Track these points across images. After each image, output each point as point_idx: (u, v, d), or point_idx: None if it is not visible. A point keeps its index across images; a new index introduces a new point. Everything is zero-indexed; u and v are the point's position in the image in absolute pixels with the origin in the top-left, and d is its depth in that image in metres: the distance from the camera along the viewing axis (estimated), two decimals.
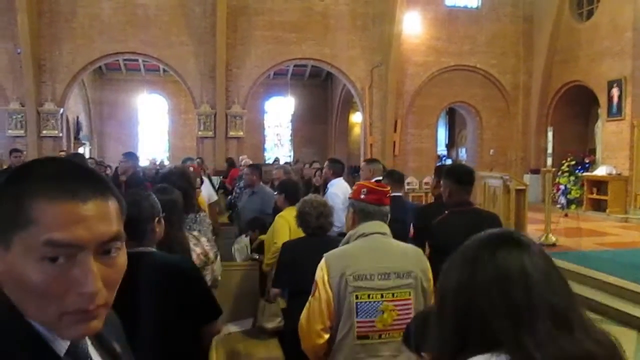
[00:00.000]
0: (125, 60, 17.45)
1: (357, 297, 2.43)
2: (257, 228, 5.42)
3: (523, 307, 1.02)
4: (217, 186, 10.32)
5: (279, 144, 21.54)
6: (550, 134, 9.26)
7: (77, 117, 17.46)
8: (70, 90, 14.50)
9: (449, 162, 19.89)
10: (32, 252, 0.77)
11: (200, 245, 3.01)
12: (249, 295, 4.71)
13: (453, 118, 20.26)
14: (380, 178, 4.89)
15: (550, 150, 9.21)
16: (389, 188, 2.81)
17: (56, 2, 13.73)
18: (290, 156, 20.05)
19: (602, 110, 13.64)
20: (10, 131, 13.80)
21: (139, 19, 14.19)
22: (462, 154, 19.40)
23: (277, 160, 14.87)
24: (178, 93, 18.53)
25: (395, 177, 5.06)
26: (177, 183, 3.46)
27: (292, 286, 3.37)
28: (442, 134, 20.02)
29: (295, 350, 2.80)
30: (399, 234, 2.92)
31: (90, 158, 10.86)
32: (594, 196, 12.98)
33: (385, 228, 2.60)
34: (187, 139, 18.66)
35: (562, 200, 11.66)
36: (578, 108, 15.34)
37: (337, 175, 5.91)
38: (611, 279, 6.44)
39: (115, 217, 0.84)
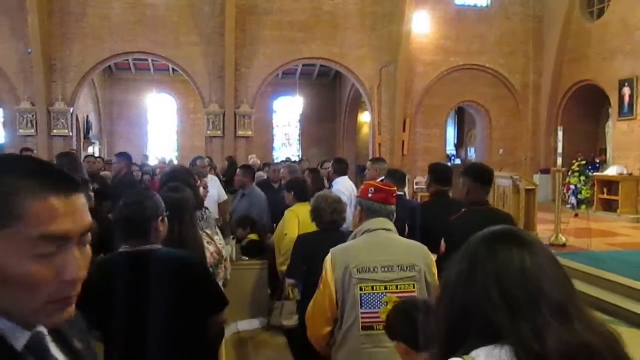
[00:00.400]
0: (134, 60, 17.53)
1: (361, 289, 2.51)
2: (247, 226, 5.43)
3: (521, 300, 1.05)
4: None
5: (287, 143, 21.55)
6: (560, 134, 9.19)
7: (87, 117, 17.57)
8: (81, 90, 14.59)
9: (457, 162, 19.84)
10: (19, 247, 0.81)
11: (213, 244, 3.03)
12: (258, 295, 4.72)
13: (462, 118, 20.17)
14: (384, 178, 4.93)
15: (560, 150, 9.15)
16: (395, 188, 2.90)
17: (67, 3, 13.82)
18: (298, 156, 20.05)
19: (613, 110, 13.53)
20: (21, 130, 13.91)
21: (149, 19, 14.25)
22: (471, 153, 19.31)
23: (287, 160, 14.82)
24: (187, 93, 18.59)
25: (397, 177, 5.11)
26: (186, 181, 3.47)
27: (306, 279, 3.46)
28: (451, 134, 19.94)
29: (305, 343, 2.88)
30: (400, 232, 2.99)
31: (98, 157, 10.88)
32: (605, 196, 12.88)
33: (390, 225, 2.70)
34: (196, 139, 18.71)
35: (573, 200, 11.59)
36: (588, 108, 15.23)
37: (340, 174, 6.07)
38: (622, 280, 6.40)
39: (87, 210, 0.91)
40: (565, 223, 9.19)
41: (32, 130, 13.93)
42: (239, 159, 14.34)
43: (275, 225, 5.96)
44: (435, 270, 2.64)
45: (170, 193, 2.79)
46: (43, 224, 0.82)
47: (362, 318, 2.51)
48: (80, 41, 13.93)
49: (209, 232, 3.42)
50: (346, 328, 2.55)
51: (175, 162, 16.21)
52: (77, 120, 15.39)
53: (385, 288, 2.53)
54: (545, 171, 15.23)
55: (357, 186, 6.90)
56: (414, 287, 2.56)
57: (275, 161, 14.78)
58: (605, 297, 6.10)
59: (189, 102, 19.38)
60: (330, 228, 3.62)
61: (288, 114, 21.05)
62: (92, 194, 4.53)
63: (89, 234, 0.91)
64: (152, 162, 16.23)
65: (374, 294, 2.53)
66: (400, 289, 2.53)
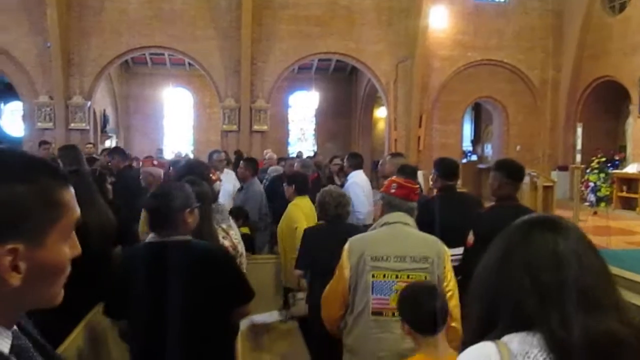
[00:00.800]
0: (151, 54, 17.62)
1: (373, 276, 2.65)
2: (239, 218, 5.43)
3: (552, 287, 1.06)
4: None
5: (302, 138, 21.54)
6: (579, 130, 9.06)
7: (104, 111, 17.70)
8: (98, 84, 14.71)
9: (474, 158, 19.67)
10: (64, 235, 0.88)
11: (229, 238, 3.02)
12: (272, 288, 4.71)
13: (479, 113, 19.98)
14: None
15: (579, 146, 9.03)
16: (417, 185, 3.00)
17: None
18: (313, 150, 20.02)
19: (634, 107, 13.31)
20: (39, 124, 14.08)
21: (166, 13, 14.30)
22: (488, 150, 19.13)
23: (299, 154, 14.83)
24: (203, 87, 18.63)
25: (408, 172, 5.07)
26: (201, 174, 3.46)
27: (313, 268, 3.67)
28: (467, 130, 19.76)
29: (317, 330, 3.11)
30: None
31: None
32: (624, 194, 12.68)
33: (409, 219, 2.79)
34: (211, 133, 18.76)
35: (592, 197, 11.41)
36: (608, 104, 14.99)
37: (355, 168, 6.15)
38: None
39: None
40: (584, 220, 9.07)
41: (50, 124, 14.09)
42: (255, 154, 14.33)
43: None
44: (448, 265, 2.73)
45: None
46: (73, 211, 0.89)
47: (373, 304, 2.63)
48: (98, 35, 14.03)
49: (224, 226, 3.41)
50: (357, 313, 2.67)
51: (191, 157, 16.27)
52: (94, 113, 15.52)
53: (397, 277, 2.64)
54: (563, 168, 15.05)
55: (372, 182, 6.92)
56: (425, 279, 2.65)
57: (290, 156, 14.78)
58: (625, 295, 5.99)
59: (205, 97, 19.43)
60: (335, 221, 3.80)
61: (303, 109, 21.03)
62: (110, 187, 4.56)
63: None
64: (168, 156, 16.32)
65: (385, 281, 2.64)
66: (412, 278, 2.63)
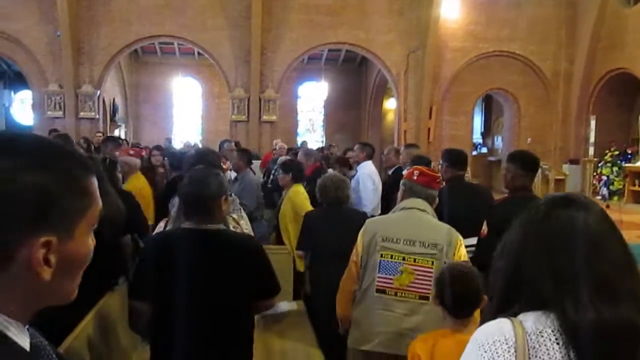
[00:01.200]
0: (160, 43, 17.58)
1: (381, 256, 2.79)
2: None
3: (568, 270, 1.07)
4: None
5: (311, 129, 21.48)
6: (593, 123, 8.95)
7: (114, 100, 17.72)
8: (107, 73, 14.71)
9: (484, 150, 19.53)
10: (90, 227, 0.83)
11: (240, 228, 2.99)
12: (284, 279, 4.67)
13: (489, 105, 19.80)
14: None
15: (592, 139, 8.92)
16: (439, 174, 3.16)
17: None
18: (322, 141, 19.96)
19: None
20: (49, 112, 14.10)
21: (176, 2, 14.24)
22: (498, 142, 18.97)
23: (304, 143, 14.64)
24: (212, 77, 18.59)
25: (422, 163, 5.03)
26: (213, 163, 3.43)
27: (313, 249, 3.96)
28: (477, 122, 19.60)
29: (318, 306, 3.58)
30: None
31: (123, 139, 10.94)
32: (636, 188, 12.54)
33: (426, 206, 2.89)
34: (220, 123, 18.73)
35: (604, 191, 11.29)
36: (622, 97, 14.77)
37: (368, 157, 6.17)
38: None
39: None
40: None
41: (60, 112, 14.11)
42: (264, 144, 14.34)
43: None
44: (461, 252, 2.81)
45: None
46: (98, 201, 0.85)
47: (378, 281, 2.78)
48: (108, 24, 14.00)
49: (235, 216, 3.39)
50: (364, 288, 2.84)
51: (200, 146, 16.27)
52: (104, 102, 15.54)
53: (404, 259, 2.76)
54: (574, 161, 14.88)
55: (381, 173, 6.86)
56: (432, 264, 2.74)
57: (299, 146, 14.71)
58: None
59: (214, 86, 19.40)
60: (335, 203, 4.02)
61: (312, 100, 20.95)
62: (120, 175, 4.54)
63: None
64: (177, 145, 16.32)
65: (392, 262, 2.77)
66: (418, 262, 2.75)
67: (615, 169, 11.59)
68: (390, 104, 19.57)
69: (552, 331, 1.06)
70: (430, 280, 2.70)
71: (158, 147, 8.60)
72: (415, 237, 2.77)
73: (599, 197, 11.34)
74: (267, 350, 3.42)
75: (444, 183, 4.45)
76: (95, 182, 0.84)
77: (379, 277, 2.77)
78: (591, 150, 8.91)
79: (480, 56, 15.40)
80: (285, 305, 3.98)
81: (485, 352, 1.08)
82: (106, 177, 3.51)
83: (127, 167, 4.99)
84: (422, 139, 14.97)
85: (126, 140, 12.13)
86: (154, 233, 3.29)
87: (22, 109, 18.52)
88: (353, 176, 6.17)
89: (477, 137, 19.57)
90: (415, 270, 2.75)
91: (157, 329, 2.37)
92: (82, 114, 14.19)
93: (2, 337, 0.74)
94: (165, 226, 3.01)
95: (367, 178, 5.72)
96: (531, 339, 1.06)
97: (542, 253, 1.10)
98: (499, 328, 1.09)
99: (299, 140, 20.10)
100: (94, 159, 3.52)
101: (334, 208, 4.03)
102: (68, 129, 13.37)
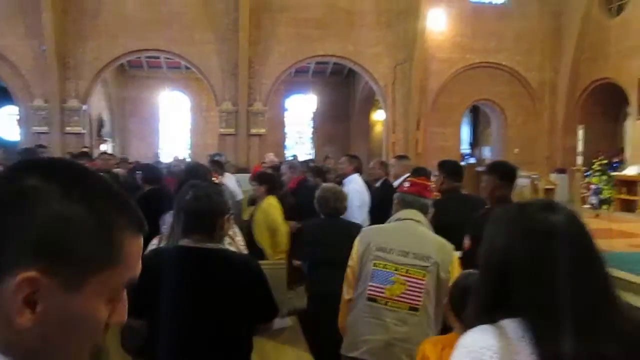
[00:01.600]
0: (146, 57, 17.51)
1: (374, 265, 2.80)
2: None
3: (549, 297, 1.09)
4: None
5: (300, 141, 21.47)
6: (580, 132, 9.03)
7: (100, 114, 17.59)
8: (94, 87, 14.60)
9: (472, 160, 19.63)
10: (107, 291, 0.68)
11: (235, 244, 2.94)
12: (280, 295, 4.61)
13: (477, 116, 19.97)
14: (408, 174, 4.84)
15: (580, 149, 8.99)
16: (430, 183, 3.18)
17: (81, 0, 13.81)
18: (311, 154, 19.94)
19: (632, 109, 13.30)
20: (34, 127, 13.93)
21: (163, 16, 14.21)
22: (486, 152, 19.09)
23: (294, 157, 14.59)
24: (200, 90, 18.54)
25: (422, 174, 4.99)
26: (205, 177, 3.39)
27: (312, 259, 4.01)
28: (465, 133, 19.73)
29: (315, 317, 3.58)
30: None
31: (110, 154, 10.79)
32: (624, 196, 12.64)
33: (420, 217, 2.90)
34: (208, 136, 18.66)
35: (594, 200, 11.35)
36: (607, 106, 14.97)
37: (356, 170, 5.88)
38: None
39: None
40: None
41: (46, 128, 13.95)
42: (253, 157, 14.30)
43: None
44: (453, 267, 2.78)
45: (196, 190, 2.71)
46: (134, 268, 0.71)
47: (369, 290, 2.79)
48: (94, 38, 13.92)
49: (230, 232, 3.33)
50: (357, 295, 2.86)
51: (189, 160, 16.16)
52: (90, 117, 15.41)
53: (396, 269, 2.76)
54: (561, 170, 14.99)
55: (370, 185, 6.73)
56: (424, 277, 2.74)
57: (287, 159, 14.66)
58: (627, 298, 5.92)
59: (202, 100, 19.34)
60: (333, 214, 4.09)
61: (301, 112, 20.96)
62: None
63: None
64: (165, 160, 16.20)
65: (384, 271, 2.78)
66: (410, 273, 2.75)
67: (604, 177, 11.69)
68: (377, 116, 19.64)
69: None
70: (421, 292, 2.73)
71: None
72: (409, 249, 2.78)
73: (587, 206, 11.41)
74: None
75: (440, 195, 4.45)
76: (137, 245, 0.71)
77: (370, 286, 2.80)
78: (579, 160, 8.96)
79: (467, 67, 15.54)
80: (279, 322, 3.93)
81: (473, 358, 1.11)
82: None
83: None
84: (410, 150, 14.99)
85: (113, 155, 12.00)
86: (146, 250, 3.22)
87: (8, 124, 18.30)
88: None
89: (465, 148, 19.68)
90: (407, 281, 2.76)
91: (153, 348, 2.30)
92: (68, 128, 14.03)
93: None
94: (159, 244, 2.95)
95: (354, 194, 5.27)
96: (514, 345, 1.09)
97: (525, 266, 1.13)
98: (484, 334, 1.13)
99: (287, 154, 20.07)
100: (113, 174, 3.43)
101: (333, 219, 4.11)
102: (54, 144, 13.26)
